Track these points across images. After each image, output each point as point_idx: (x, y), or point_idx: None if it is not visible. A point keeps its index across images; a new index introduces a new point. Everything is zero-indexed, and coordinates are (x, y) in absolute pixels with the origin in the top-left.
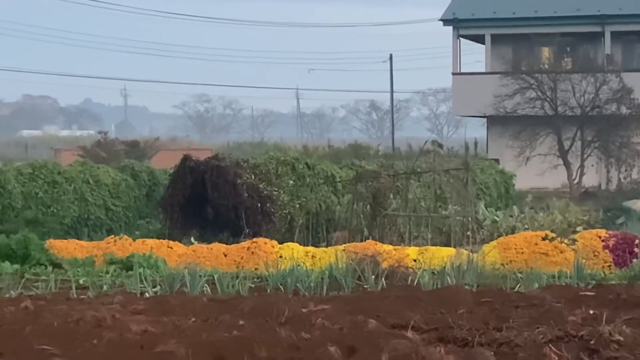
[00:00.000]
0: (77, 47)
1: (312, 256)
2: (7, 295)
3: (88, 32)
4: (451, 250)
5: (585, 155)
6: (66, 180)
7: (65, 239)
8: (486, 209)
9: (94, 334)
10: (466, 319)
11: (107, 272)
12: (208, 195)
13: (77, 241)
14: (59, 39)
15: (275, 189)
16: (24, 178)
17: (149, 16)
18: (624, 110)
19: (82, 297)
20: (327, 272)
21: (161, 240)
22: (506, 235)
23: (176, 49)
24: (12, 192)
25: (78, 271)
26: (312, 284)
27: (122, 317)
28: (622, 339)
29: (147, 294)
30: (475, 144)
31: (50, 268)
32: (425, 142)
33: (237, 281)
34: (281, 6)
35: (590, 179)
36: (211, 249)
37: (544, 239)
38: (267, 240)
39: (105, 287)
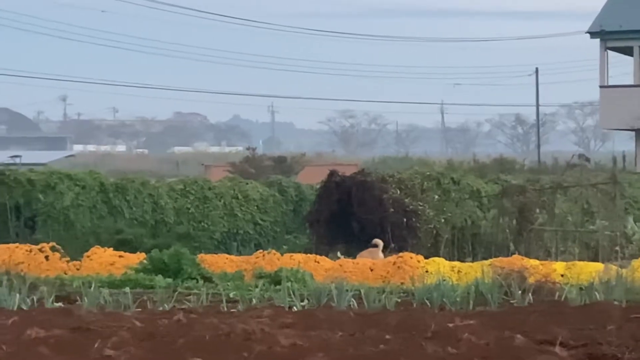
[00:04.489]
0: (226, 65)
1: (458, 271)
2: (161, 308)
3: (236, 51)
4: (599, 266)
5: None
6: (216, 196)
7: (216, 253)
8: (635, 224)
9: (244, 347)
10: (615, 335)
11: (256, 286)
12: (354, 210)
13: (226, 255)
14: (209, 57)
15: (421, 204)
16: (175, 194)
17: (294, 34)
18: None
19: (232, 310)
20: (473, 287)
21: (308, 254)
22: None
23: (322, 65)
24: (164, 207)
25: (228, 285)
26: (458, 299)
27: (271, 330)
28: None
29: (295, 308)
30: (624, 157)
31: (201, 282)
32: (572, 156)
33: (383, 296)
34: (426, 22)
35: None
36: (357, 263)
37: None
38: (412, 254)
39: (254, 301)
